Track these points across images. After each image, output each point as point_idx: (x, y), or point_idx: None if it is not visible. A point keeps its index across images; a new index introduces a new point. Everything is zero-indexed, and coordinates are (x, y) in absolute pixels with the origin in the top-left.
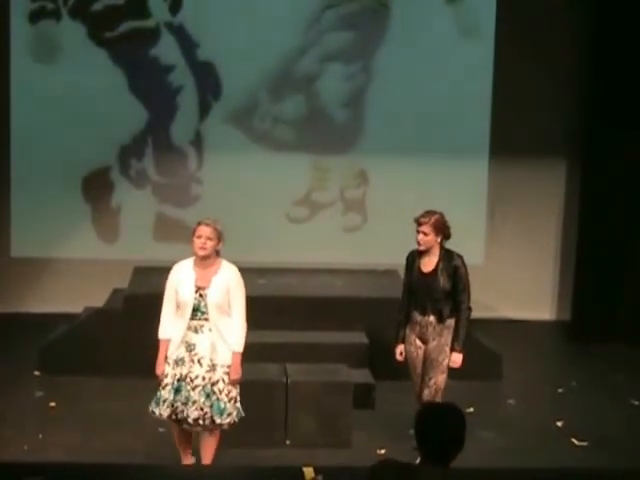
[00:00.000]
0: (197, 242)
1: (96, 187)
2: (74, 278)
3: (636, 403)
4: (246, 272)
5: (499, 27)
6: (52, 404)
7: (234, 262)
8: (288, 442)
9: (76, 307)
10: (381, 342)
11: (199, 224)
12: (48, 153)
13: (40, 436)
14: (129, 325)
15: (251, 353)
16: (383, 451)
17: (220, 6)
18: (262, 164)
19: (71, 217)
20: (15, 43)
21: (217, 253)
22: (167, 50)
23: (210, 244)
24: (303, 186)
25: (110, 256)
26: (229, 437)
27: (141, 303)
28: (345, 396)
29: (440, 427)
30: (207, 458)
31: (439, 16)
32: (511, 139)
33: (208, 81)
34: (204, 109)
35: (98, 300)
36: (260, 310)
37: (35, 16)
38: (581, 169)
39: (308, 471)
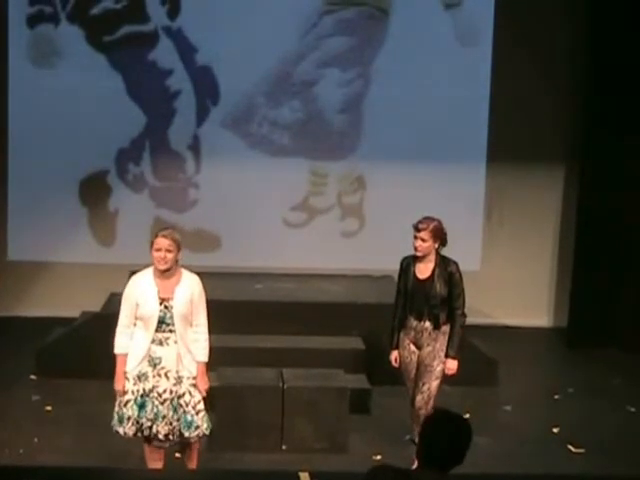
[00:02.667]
0: (156, 255)
1: (93, 191)
2: (71, 282)
3: (633, 410)
4: (243, 277)
5: (497, 33)
6: (48, 408)
7: (231, 267)
8: (284, 447)
9: (73, 311)
10: (377, 348)
11: (156, 236)
12: (46, 156)
13: (36, 439)
14: None
15: (247, 358)
16: (379, 457)
17: (218, 11)
18: (260, 169)
19: (68, 221)
20: (13, 47)
21: (176, 262)
22: (165, 54)
23: (170, 256)
24: (301, 191)
25: (107, 260)
26: (225, 441)
27: None
28: (341, 401)
29: (447, 438)
30: (192, 466)
31: (438, 23)
32: (509, 144)
33: (206, 86)
34: (202, 113)
35: (95, 304)
36: (256, 315)
37: (33, 20)
38: (579, 174)
39: (304, 476)
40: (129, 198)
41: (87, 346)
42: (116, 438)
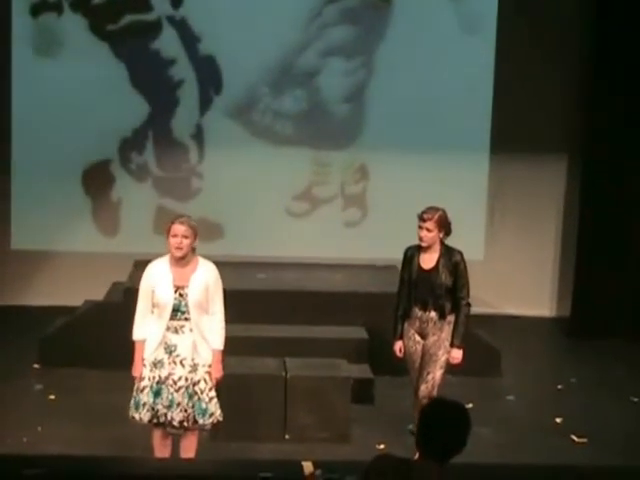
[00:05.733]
0: (173, 241)
1: (97, 180)
2: (74, 271)
3: (635, 400)
4: (246, 266)
5: (501, 23)
6: (51, 397)
7: (234, 256)
8: (287, 436)
9: (76, 300)
10: (381, 337)
11: (173, 222)
12: (49, 146)
13: (39, 429)
14: (129, 318)
15: (250, 347)
16: (382, 446)
17: (222, 0)
18: (263, 158)
19: (71, 210)
20: (17, 36)
21: (193, 250)
22: (168, 44)
23: (186, 242)
24: (303, 181)
25: (110, 249)
26: (228, 431)
27: None
28: (344, 391)
29: (445, 426)
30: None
31: (441, 12)
32: (512, 133)
33: (209, 75)
34: (205, 103)
35: (98, 293)
36: (259, 304)
37: (37, 10)
38: (581, 165)
39: (307, 465)
40: (132, 187)
41: (90, 335)
42: (120, 427)
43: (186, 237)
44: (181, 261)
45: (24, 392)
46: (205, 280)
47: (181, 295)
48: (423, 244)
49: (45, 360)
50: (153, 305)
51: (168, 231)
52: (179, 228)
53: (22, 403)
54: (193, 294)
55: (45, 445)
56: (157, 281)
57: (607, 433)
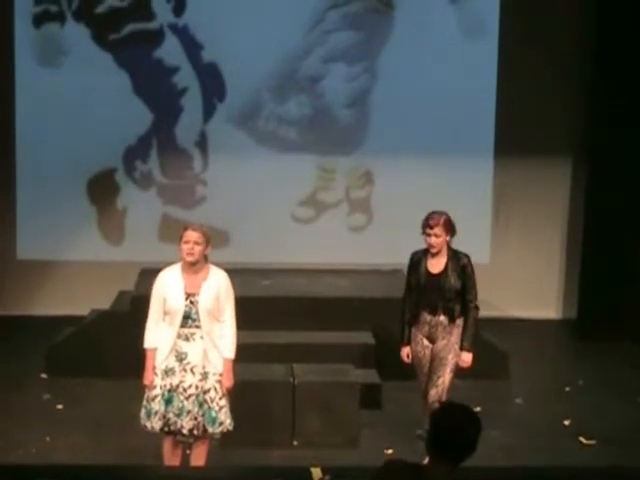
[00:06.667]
0: (185, 247)
1: (101, 189)
2: (80, 280)
3: None
4: (251, 273)
5: (503, 26)
6: (59, 406)
7: (240, 263)
8: (295, 443)
9: (82, 309)
10: (388, 342)
11: (186, 229)
12: (53, 155)
13: (48, 439)
14: (135, 327)
15: (257, 354)
16: (390, 451)
17: (224, 7)
18: (267, 165)
19: (76, 219)
20: (19, 46)
21: (205, 258)
22: (171, 52)
23: (198, 249)
24: (308, 186)
25: (116, 258)
26: (237, 438)
27: (147, 305)
28: (352, 396)
29: (456, 430)
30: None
31: (443, 16)
32: (516, 138)
33: (212, 82)
34: (209, 110)
35: (104, 302)
36: (265, 311)
37: (39, 19)
38: (587, 166)
39: (316, 471)
40: (137, 196)
41: (97, 344)
42: (129, 435)
43: (198, 244)
44: (192, 268)
45: (32, 402)
46: (216, 288)
47: (192, 302)
48: (433, 250)
49: (52, 370)
50: (164, 313)
51: (181, 238)
52: (192, 234)
53: (30, 413)
54: (204, 301)
55: (54, 455)
56: (168, 288)
57: (615, 435)
